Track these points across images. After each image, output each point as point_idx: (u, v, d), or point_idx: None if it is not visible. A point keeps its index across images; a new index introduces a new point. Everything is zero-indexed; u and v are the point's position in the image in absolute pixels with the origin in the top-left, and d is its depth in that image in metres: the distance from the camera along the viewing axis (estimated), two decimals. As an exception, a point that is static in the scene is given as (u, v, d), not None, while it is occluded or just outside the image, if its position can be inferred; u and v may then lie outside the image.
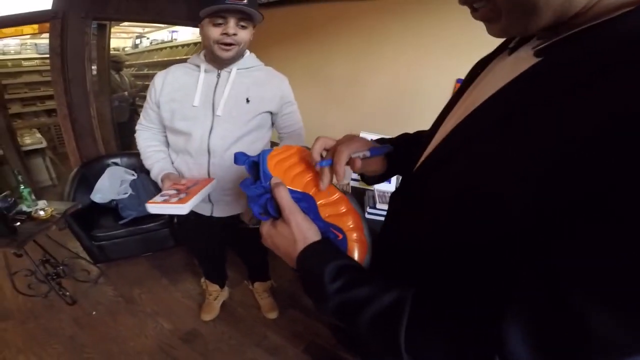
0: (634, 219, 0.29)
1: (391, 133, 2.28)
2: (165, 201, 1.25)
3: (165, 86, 1.41)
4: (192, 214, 1.62)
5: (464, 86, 0.64)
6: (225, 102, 1.37)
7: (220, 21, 1.24)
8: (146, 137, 1.57)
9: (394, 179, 2.16)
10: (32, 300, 2.30)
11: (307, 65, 2.72)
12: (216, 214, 1.63)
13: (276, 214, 0.62)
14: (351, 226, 0.67)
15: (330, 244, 0.60)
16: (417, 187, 0.61)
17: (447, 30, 2.00)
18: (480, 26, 0.50)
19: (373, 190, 2.22)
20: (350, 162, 0.68)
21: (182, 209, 1.20)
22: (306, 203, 0.64)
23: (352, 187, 2.30)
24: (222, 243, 2.09)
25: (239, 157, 0.73)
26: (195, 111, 1.38)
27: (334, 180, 0.68)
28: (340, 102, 2.65)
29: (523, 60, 0.47)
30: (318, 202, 0.67)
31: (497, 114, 0.45)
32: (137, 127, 1.58)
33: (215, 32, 1.25)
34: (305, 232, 0.58)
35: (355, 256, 0.63)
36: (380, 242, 0.69)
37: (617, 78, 0.33)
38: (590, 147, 0.32)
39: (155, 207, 1.23)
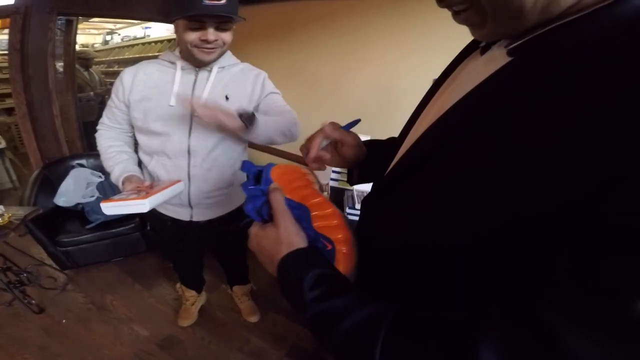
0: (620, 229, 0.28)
1: (375, 132, 2.28)
2: (122, 199, 1.17)
3: (136, 84, 1.32)
4: (169, 219, 1.56)
5: (435, 87, 0.64)
6: (206, 102, 1.30)
7: (196, 25, 1.16)
8: (108, 137, 1.45)
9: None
10: (-6, 310, 2.15)
11: (290, 65, 2.67)
12: (196, 218, 1.56)
13: (268, 217, 0.61)
14: (341, 238, 0.65)
15: (315, 252, 0.58)
16: (389, 190, 0.60)
17: (431, 29, 1.98)
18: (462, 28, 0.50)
19: (352, 190, 2.21)
20: (322, 156, 0.77)
21: (143, 206, 1.13)
22: (300, 211, 0.63)
23: (332, 187, 2.28)
24: (201, 248, 2.02)
25: (246, 165, 0.72)
26: (171, 111, 1.30)
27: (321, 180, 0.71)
28: (324, 101, 2.62)
29: (495, 60, 0.46)
30: (312, 214, 0.66)
31: (470, 115, 0.44)
32: (98, 127, 1.47)
33: (192, 37, 1.18)
34: (291, 237, 0.57)
35: (342, 268, 0.61)
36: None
37: (587, 74, 0.33)
38: (569, 148, 0.32)
39: (111, 206, 1.14)
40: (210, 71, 1.32)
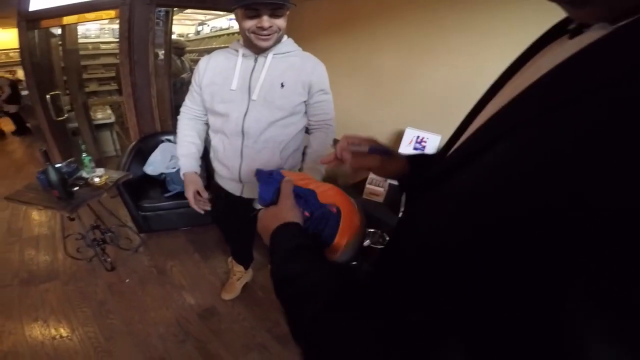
0: None
1: (443, 131, 2.21)
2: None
3: (208, 70, 1.48)
4: (224, 192, 1.72)
5: (508, 72, 0.54)
6: (261, 87, 1.41)
7: (252, 13, 1.25)
8: (185, 125, 1.66)
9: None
10: (77, 263, 2.54)
11: (354, 57, 2.65)
12: (246, 195, 1.69)
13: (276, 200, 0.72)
14: (341, 201, 0.76)
15: (304, 230, 0.65)
16: (441, 179, 0.48)
17: (513, 20, 1.76)
18: (554, 13, 0.43)
19: None
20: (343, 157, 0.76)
21: None
22: (306, 192, 0.73)
23: (390, 184, 2.22)
24: (250, 224, 2.14)
25: (259, 172, 0.83)
26: (232, 94, 1.44)
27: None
28: (388, 96, 2.55)
29: (578, 40, 0.39)
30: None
31: (544, 100, 0.35)
32: (181, 109, 1.68)
33: (249, 24, 1.28)
34: (286, 212, 0.65)
35: (348, 224, 0.71)
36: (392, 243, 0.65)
37: None
38: None
39: None
40: (266, 57, 1.41)
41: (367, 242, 2.08)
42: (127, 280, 2.44)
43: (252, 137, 1.48)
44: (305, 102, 1.53)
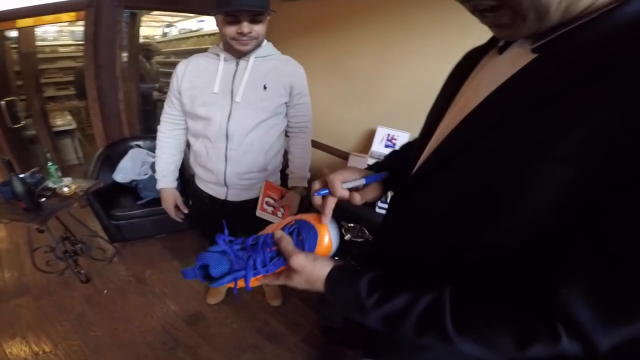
0: None
1: (411, 129, 2.29)
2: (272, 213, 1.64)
3: (187, 74, 1.48)
4: (207, 196, 1.71)
5: (454, 84, 0.66)
6: (244, 89, 1.42)
7: (232, 19, 1.27)
8: (166, 138, 1.66)
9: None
10: (48, 277, 2.41)
11: (329, 59, 2.69)
12: (230, 198, 1.68)
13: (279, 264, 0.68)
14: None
15: (344, 268, 0.64)
16: (417, 190, 0.64)
17: (474, 24, 1.84)
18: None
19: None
20: (350, 198, 0.73)
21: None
22: (298, 230, 0.71)
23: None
24: (234, 228, 2.13)
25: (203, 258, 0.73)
26: (214, 97, 1.44)
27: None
28: (361, 96, 2.62)
29: (520, 57, 0.49)
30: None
31: (502, 110, 0.48)
32: (162, 118, 1.66)
33: (230, 30, 1.30)
34: (317, 272, 0.63)
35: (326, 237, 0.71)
36: (377, 251, 0.73)
37: (612, 68, 0.38)
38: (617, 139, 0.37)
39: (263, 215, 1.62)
40: (248, 61, 1.43)
41: (348, 237, 2.12)
42: (105, 292, 2.35)
43: (237, 140, 1.49)
44: (286, 103, 1.56)
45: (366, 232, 2.13)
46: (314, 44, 2.75)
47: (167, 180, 1.71)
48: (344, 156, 2.75)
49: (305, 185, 1.79)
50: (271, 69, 1.47)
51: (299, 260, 0.63)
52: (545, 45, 0.46)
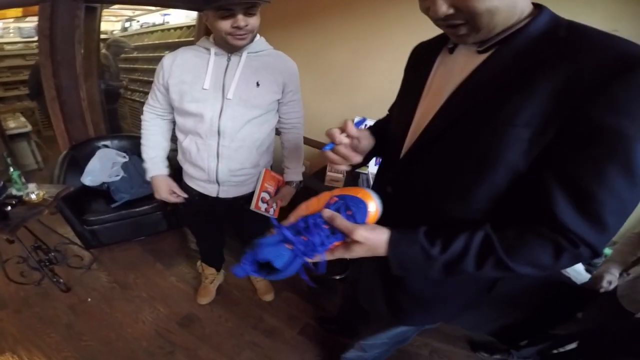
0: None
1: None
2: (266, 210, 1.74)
3: (175, 68, 1.42)
4: (197, 194, 1.69)
5: (419, 79, 0.84)
6: (236, 85, 1.39)
7: (226, 14, 1.23)
8: (151, 126, 1.62)
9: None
10: (25, 288, 2.26)
11: (306, 53, 2.69)
12: (222, 195, 1.67)
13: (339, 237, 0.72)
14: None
15: (399, 230, 0.73)
16: (413, 166, 0.81)
17: None
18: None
19: (367, 173, 2.35)
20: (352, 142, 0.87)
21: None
22: (345, 206, 0.74)
23: (347, 171, 2.34)
24: (224, 225, 2.12)
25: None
26: (205, 94, 1.40)
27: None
28: (339, 88, 2.66)
29: (471, 57, 0.70)
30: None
31: (474, 97, 0.67)
32: (144, 108, 1.61)
33: (224, 25, 1.25)
34: (378, 239, 0.72)
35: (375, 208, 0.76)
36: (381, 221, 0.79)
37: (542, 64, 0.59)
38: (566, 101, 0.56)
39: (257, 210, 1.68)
40: (240, 56, 1.40)
41: None
42: (89, 300, 2.25)
43: (229, 137, 1.46)
44: (279, 100, 1.55)
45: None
46: (291, 38, 2.74)
47: (157, 168, 1.66)
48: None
49: (301, 178, 1.83)
50: (264, 65, 1.45)
51: (362, 232, 0.69)
52: (488, 48, 0.67)
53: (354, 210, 0.72)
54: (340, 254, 0.74)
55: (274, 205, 1.80)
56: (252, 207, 1.70)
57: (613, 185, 0.55)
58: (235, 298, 2.36)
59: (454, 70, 0.74)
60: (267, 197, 1.74)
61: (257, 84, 1.42)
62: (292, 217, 0.77)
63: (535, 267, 0.66)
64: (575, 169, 0.57)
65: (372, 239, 0.70)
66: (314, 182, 2.40)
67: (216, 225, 2.03)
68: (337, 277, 2.35)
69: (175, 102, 1.46)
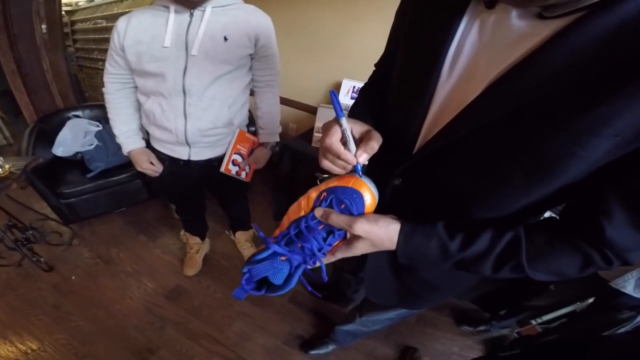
0: None
1: None
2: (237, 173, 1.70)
3: (130, 29, 1.32)
4: (167, 158, 1.62)
5: (439, 36, 0.58)
6: (201, 42, 1.30)
7: None
8: (116, 98, 1.52)
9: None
10: (5, 270, 2.17)
11: (291, 14, 2.58)
12: (194, 157, 1.60)
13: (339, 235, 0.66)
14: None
15: (411, 220, 0.65)
16: (428, 166, 0.66)
17: None
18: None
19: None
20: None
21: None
22: (337, 199, 0.65)
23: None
24: (202, 189, 2.06)
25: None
26: (166, 52, 1.31)
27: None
28: (325, 50, 2.58)
29: (530, 21, 0.47)
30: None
31: (547, 88, 0.46)
32: (105, 79, 1.50)
33: None
34: (383, 231, 0.63)
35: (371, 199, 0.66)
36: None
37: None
38: None
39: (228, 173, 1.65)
40: (204, 11, 1.30)
41: None
42: (73, 278, 2.17)
43: (196, 95, 1.39)
44: (251, 55, 1.47)
45: None
46: (274, 1, 2.59)
47: (132, 142, 1.60)
48: (311, 110, 2.76)
49: (277, 139, 1.76)
50: (233, 19, 1.35)
51: (363, 226, 0.61)
52: (562, 13, 0.43)
53: (348, 202, 0.64)
54: (342, 253, 0.67)
55: (247, 167, 1.74)
56: (222, 169, 1.64)
57: None
58: (223, 267, 2.32)
59: (500, 39, 0.51)
60: (239, 159, 1.69)
61: (225, 39, 1.33)
62: (284, 222, 0.71)
63: (553, 275, 0.59)
64: None
65: (376, 231, 0.62)
66: (301, 144, 2.35)
67: (193, 190, 1.96)
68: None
69: (133, 64, 1.37)
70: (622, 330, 1.35)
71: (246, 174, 1.75)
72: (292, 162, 2.35)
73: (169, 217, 2.69)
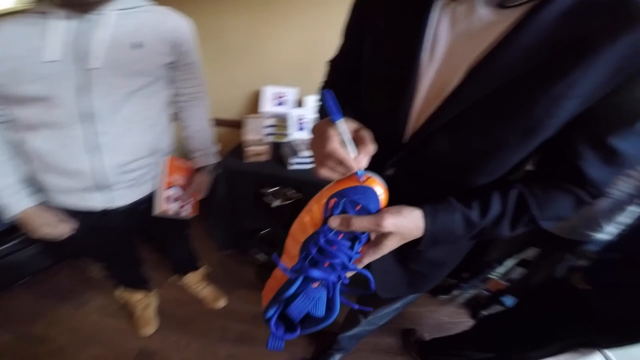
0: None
1: (300, 84, 2.38)
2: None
3: None
4: (80, 214, 1.30)
5: (408, 21, 0.65)
6: (107, 50, 1.05)
7: None
8: None
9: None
10: None
11: (201, 25, 2.21)
12: (116, 204, 1.29)
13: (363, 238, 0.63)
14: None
15: (430, 205, 0.67)
16: (421, 152, 0.70)
17: None
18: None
19: (288, 142, 2.21)
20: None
21: None
22: (351, 202, 0.62)
23: (269, 143, 2.24)
24: (132, 239, 1.79)
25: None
26: (51, 68, 1.02)
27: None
28: (242, 58, 2.41)
29: (493, 11, 0.57)
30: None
31: (522, 67, 0.55)
32: None
33: None
34: (408, 221, 0.63)
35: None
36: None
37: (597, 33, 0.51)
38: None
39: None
40: (99, 14, 1.05)
41: (277, 203, 2.03)
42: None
43: (106, 119, 1.11)
44: (171, 64, 1.25)
45: (290, 192, 2.07)
46: (177, 8, 2.31)
47: (19, 199, 1.19)
48: (234, 124, 2.57)
49: (215, 160, 1.61)
50: (144, 23, 1.12)
51: (391, 220, 0.60)
52: (515, 4, 0.54)
53: (364, 202, 0.61)
54: (370, 257, 0.64)
55: (190, 200, 1.56)
56: (157, 211, 1.40)
57: (637, 144, 0.59)
58: (184, 315, 2.10)
59: (471, 26, 0.59)
60: (178, 193, 1.48)
61: (137, 46, 1.10)
62: (291, 247, 0.67)
63: (557, 219, 0.70)
64: (607, 130, 0.58)
65: (404, 222, 0.62)
66: (233, 162, 2.15)
67: (120, 244, 1.66)
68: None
69: (4, 88, 1.04)
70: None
71: (189, 209, 1.56)
72: (227, 184, 2.19)
73: (90, 277, 2.30)
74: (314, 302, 0.56)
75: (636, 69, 0.52)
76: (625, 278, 1.28)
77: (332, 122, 0.60)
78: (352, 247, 0.60)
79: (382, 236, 0.62)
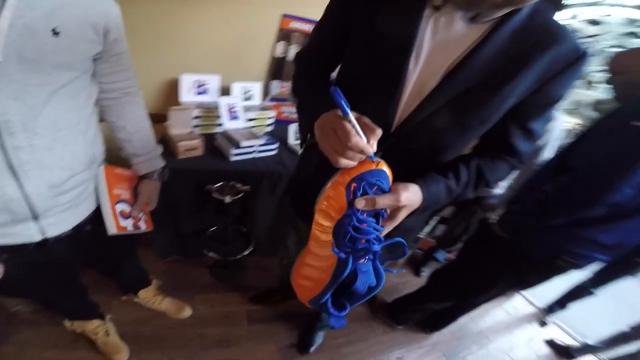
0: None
1: (222, 70, 2.37)
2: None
3: None
4: (5, 252, 1.03)
5: (404, 35, 0.77)
6: (7, 39, 0.76)
7: None
8: None
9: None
10: None
11: None
12: (52, 232, 1.06)
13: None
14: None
15: (420, 179, 0.84)
16: (406, 139, 0.86)
17: None
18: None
19: (223, 132, 2.18)
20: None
21: None
22: (369, 184, 0.70)
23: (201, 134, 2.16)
24: (75, 267, 1.58)
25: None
26: None
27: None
28: (154, 43, 2.15)
29: (467, 25, 0.73)
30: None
31: (486, 73, 0.75)
32: None
33: None
34: (412, 193, 0.77)
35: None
36: None
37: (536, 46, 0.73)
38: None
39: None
40: None
41: (228, 199, 1.98)
42: None
43: (25, 128, 0.86)
44: (97, 54, 1.02)
45: (237, 185, 2.02)
46: None
47: None
48: (156, 118, 2.25)
49: (162, 163, 1.44)
50: (64, 4, 0.85)
51: (405, 195, 0.73)
52: (481, 22, 0.73)
53: (380, 183, 0.69)
54: (388, 228, 0.76)
55: (142, 214, 1.39)
56: (113, 230, 1.22)
57: (544, 127, 0.89)
58: (153, 333, 1.98)
59: (448, 37, 0.75)
60: (126, 208, 1.30)
61: (55, 32, 0.84)
62: (319, 234, 0.74)
63: (499, 181, 1.01)
64: (530, 119, 0.85)
65: (411, 196, 0.75)
66: (166, 159, 1.92)
67: (64, 275, 1.47)
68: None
69: None
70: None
71: (144, 221, 1.42)
72: (163, 184, 2.01)
73: (24, 313, 1.96)
74: (369, 275, 0.64)
75: (551, 75, 0.74)
76: (530, 224, 1.56)
77: (340, 117, 0.65)
78: (377, 222, 0.70)
79: (397, 209, 0.74)
